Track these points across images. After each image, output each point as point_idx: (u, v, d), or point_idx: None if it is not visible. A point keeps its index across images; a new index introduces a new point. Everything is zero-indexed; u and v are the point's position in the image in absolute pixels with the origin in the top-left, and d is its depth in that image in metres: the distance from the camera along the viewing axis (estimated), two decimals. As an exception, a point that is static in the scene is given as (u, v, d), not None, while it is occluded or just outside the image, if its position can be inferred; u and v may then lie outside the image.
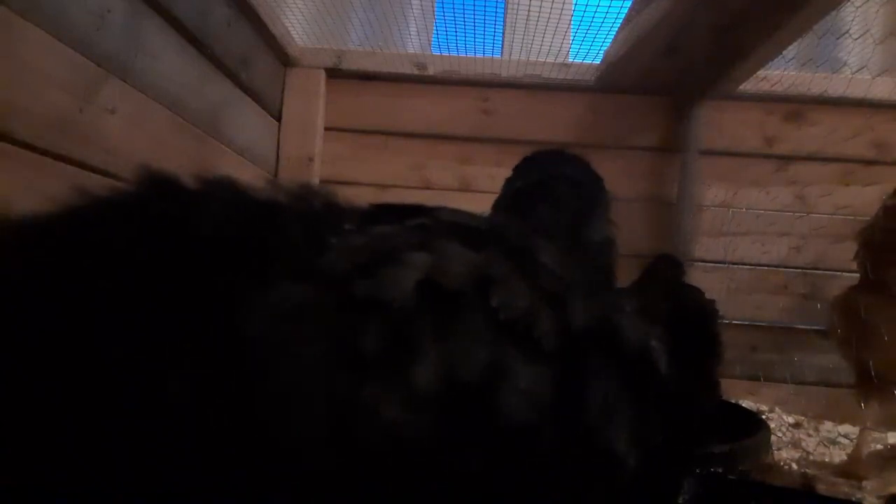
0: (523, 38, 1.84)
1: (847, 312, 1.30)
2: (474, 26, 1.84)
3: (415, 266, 0.41)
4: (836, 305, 1.36)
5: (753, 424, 1.14)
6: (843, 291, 1.36)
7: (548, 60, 1.95)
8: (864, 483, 1.18)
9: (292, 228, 0.43)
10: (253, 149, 1.80)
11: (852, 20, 1.56)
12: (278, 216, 0.44)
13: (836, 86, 1.78)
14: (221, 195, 0.44)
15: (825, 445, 1.47)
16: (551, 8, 1.65)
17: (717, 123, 1.90)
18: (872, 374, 1.23)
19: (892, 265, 1.23)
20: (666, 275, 0.92)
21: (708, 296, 0.84)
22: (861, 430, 1.32)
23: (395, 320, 0.38)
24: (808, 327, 1.88)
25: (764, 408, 1.76)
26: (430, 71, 2.01)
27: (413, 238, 0.45)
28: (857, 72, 1.67)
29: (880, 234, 1.26)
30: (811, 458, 1.36)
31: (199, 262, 0.38)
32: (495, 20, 1.96)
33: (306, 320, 0.37)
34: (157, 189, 0.43)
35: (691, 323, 0.75)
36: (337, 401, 0.35)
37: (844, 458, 1.33)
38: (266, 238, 0.41)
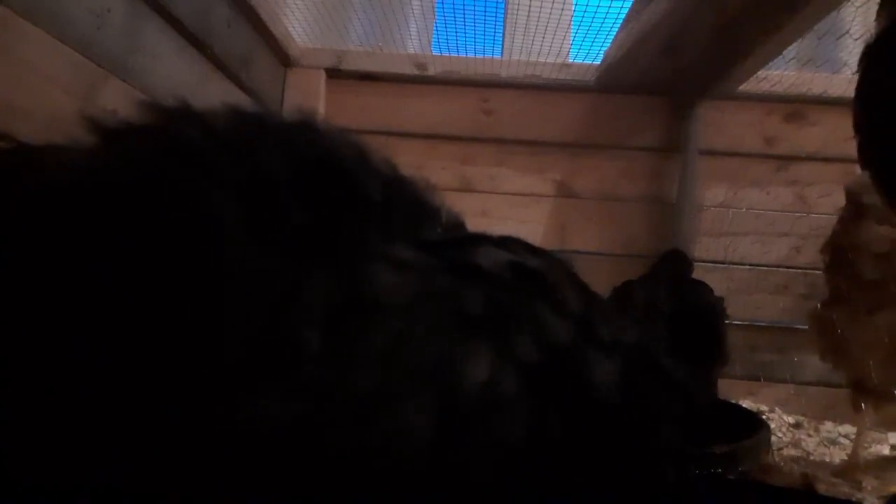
0: (523, 39, 1.84)
1: (823, 329, 1.29)
2: (474, 26, 1.84)
3: (499, 253, 0.46)
4: (811, 322, 1.34)
5: (753, 424, 1.14)
6: (816, 308, 1.33)
7: (548, 61, 1.95)
8: (864, 483, 1.18)
9: (405, 202, 0.48)
10: (253, 149, 1.80)
11: (852, 20, 1.56)
12: (397, 188, 0.49)
13: (836, 86, 1.78)
14: (357, 152, 0.48)
15: (825, 445, 1.47)
16: (551, 8, 1.65)
17: (717, 123, 1.90)
18: (858, 381, 1.22)
19: (860, 280, 1.22)
20: (675, 270, 0.92)
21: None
22: (857, 434, 1.32)
23: (493, 287, 0.42)
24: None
25: (764, 408, 1.76)
26: (431, 71, 2.01)
27: (491, 237, 0.50)
28: (857, 72, 1.67)
29: (848, 249, 1.25)
30: (811, 458, 1.36)
31: (336, 211, 0.42)
32: (495, 20, 1.96)
33: (419, 273, 0.40)
34: (303, 129, 0.48)
35: (697, 320, 0.75)
36: (445, 341, 0.38)
37: (845, 458, 1.33)
38: (390, 203, 0.46)
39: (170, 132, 0.42)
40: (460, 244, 0.46)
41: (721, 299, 0.85)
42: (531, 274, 0.45)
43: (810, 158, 1.90)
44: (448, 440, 0.36)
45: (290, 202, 0.39)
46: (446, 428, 0.36)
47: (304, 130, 0.48)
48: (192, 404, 0.33)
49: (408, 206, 0.48)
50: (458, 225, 0.55)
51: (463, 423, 0.36)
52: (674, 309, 0.69)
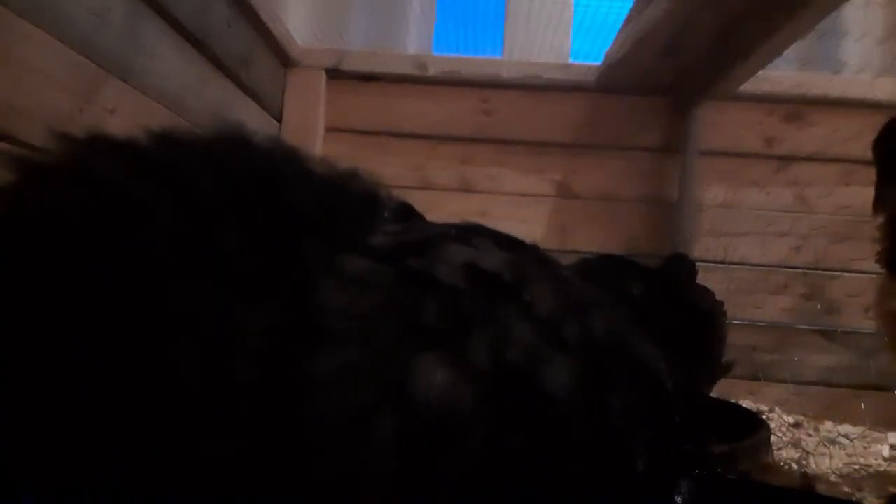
0: (524, 39, 1.84)
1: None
2: (475, 26, 1.85)
3: (457, 253, 0.44)
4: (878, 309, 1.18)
5: (753, 424, 1.14)
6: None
7: (548, 61, 1.96)
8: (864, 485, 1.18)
9: (348, 206, 0.47)
10: (253, 149, 1.80)
11: (852, 20, 1.56)
12: (338, 193, 0.48)
13: (836, 86, 1.78)
14: (291, 162, 0.48)
15: (825, 445, 1.47)
16: (552, 9, 1.65)
17: (717, 124, 1.90)
18: None
19: None
20: (677, 274, 0.92)
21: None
22: None
23: (447, 296, 0.41)
24: (808, 327, 1.87)
25: (764, 408, 1.76)
26: (431, 71, 2.01)
27: (450, 231, 0.48)
28: (857, 73, 1.67)
29: None
30: (811, 458, 1.36)
31: (279, 223, 0.41)
32: (496, 21, 1.97)
33: (370, 289, 0.40)
34: (235, 144, 0.46)
35: (697, 324, 0.75)
36: (397, 360, 0.37)
37: (845, 457, 1.33)
38: (331, 212, 0.45)
39: (91, 170, 0.39)
40: (416, 247, 0.44)
41: (721, 303, 0.84)
42: (489, 277, 0.44)
43: (810, 159, 1.89)
44: (408, 461, 0.35)
45: (225, 235, 0.38)
46: (407, 449, 0.35)
47: (235, 148, 0.46)
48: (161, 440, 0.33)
49: (353, 211, 0.47)
50: (409, 215, 0.53)
51: (421, 442, 0.36)
52: (673, 313, 0.69)
